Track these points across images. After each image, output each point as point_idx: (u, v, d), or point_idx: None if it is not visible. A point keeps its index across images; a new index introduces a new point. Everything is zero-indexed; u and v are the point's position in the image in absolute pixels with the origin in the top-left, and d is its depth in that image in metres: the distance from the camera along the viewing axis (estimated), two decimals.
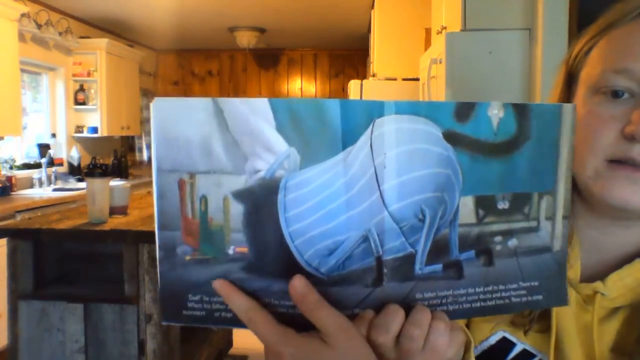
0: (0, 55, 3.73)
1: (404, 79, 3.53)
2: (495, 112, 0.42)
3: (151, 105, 0.40)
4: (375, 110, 0.40)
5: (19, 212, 3.46)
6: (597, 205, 0.56)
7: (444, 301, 0.45)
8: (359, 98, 3.56)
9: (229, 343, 3.13)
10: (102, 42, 5.20)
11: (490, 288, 0.45)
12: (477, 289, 0.45)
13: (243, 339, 3.49)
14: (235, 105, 0.40)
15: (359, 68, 7.03)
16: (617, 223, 0.57)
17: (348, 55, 7.07)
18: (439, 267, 0.44)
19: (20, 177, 4.36)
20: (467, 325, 0.63)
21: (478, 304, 0.46)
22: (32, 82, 4.98)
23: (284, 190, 0.41)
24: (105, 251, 2.31)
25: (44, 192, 4.22)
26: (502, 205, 0.44)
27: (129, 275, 2.08)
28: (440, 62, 2.17)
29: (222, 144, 0.40)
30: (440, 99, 2.20)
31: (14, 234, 2.11)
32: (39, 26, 4.51)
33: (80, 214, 2.39)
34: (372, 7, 4.17)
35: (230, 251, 0.42)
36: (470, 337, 0.55)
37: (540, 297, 0.47)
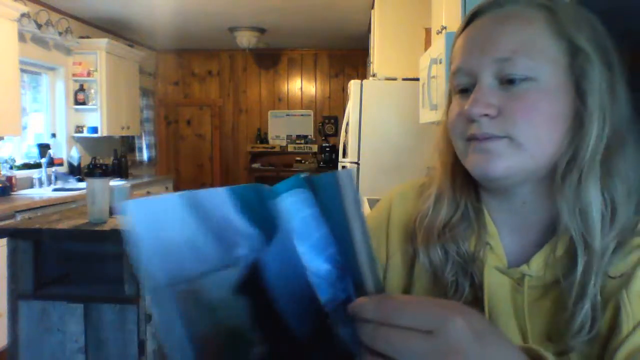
0: (0, 55, 3.73)
1: (404, 79, 3.53)
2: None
3: (126, 212, 0.35)
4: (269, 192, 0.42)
5: (19, 212, 3.45)
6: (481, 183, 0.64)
7: None
8: (359, 98, 3.56)
9: None
10: (102, 42, 5.20)
11: None
12: None
13: None
14: (202, 197, 0.39)
15: (359, 68, 7.03)
16: (512, 201, 0.63)
17: (348, 55, 7.07)
18: None
19: (20, 177, 4.36)
20: None
21: None
22: (32, 82, 4.98)
23: (265, 269, 0.41)
24: (105, 251, 2.31)
25: (44, 192, 4.22)
26: None
27: (129, 275, 2.08)
28: (440, 62, 2.17)
29: (207, 238, 0.38)
30: (441, 99, 2.20)
31: (14, 234, 2.11)
32: (39, 26, 4.51)
33: (80, 214, 2.39)
34: (372, 7, 4.17)
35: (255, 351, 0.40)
36: None
37: None
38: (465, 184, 0.66)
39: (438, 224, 0.65)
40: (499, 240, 0.64)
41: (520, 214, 0.64)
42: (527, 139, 0.57)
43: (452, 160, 0.67)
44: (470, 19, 0.64)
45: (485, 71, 0.59)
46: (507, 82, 0.58)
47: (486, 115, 0.58)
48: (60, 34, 4.77)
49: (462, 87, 0.62)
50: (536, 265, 0.60)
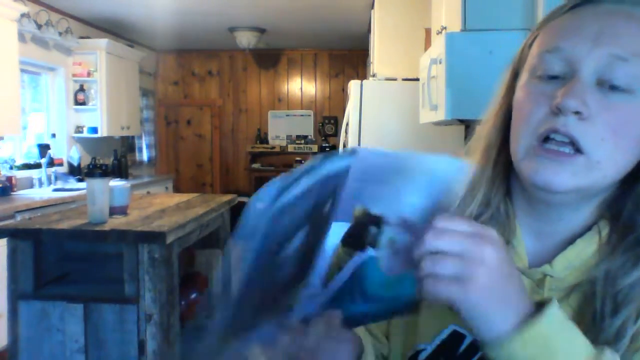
0: (0, 55, 3.73)
1: (404, 79, 3.52)
2: None
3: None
4: None
5: (19, 212, 3.45)
6: (529, 189, 0.59)
7: None
8: (359, 98, 3.56)
9: None
10: (102, 42, 5.20)
11: None
12: None
13: None
14: None
15: (359, 68, 7.03)
16: (551, 211, 0.60)
17: (348, 55, 7.07)
18: None
19: (20, 177, 4.36)
20: (416, 322, 0.65)
21: None
22: (32, 82, 4.98)
23: None
24: (105, 251, 2.31)
25: (44, 192, 4.22)
26: None
27: (129, 275, 2.08)
28: (440, 62, 2.17)
29: None
30: (441, 99, 2.19)
31: (14, 234, 2.11)
32: (39, 26, 4.51)
33: (80, 214, 2.39)
34: (372, 7, 4.17)
35: None
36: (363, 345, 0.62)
37: None
38: (501, 182, 0.63)
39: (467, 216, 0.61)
40: (522, 240, 0.61)
41: (549, 223, 0.61)
42: (606, 159, 0.53)
43: (495, 156, 0.62)
44: (579, 3, 0.57)
45: (591, 64, 0.52)
46: (606, 85, 0.52)
47: (578, 113, 0.52)
48: (60, 34, 4.77)
49: (550, 73, 0.55)
50: (560, 266, 0.58)
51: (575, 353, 0.46)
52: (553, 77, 0.55)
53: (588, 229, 0.59)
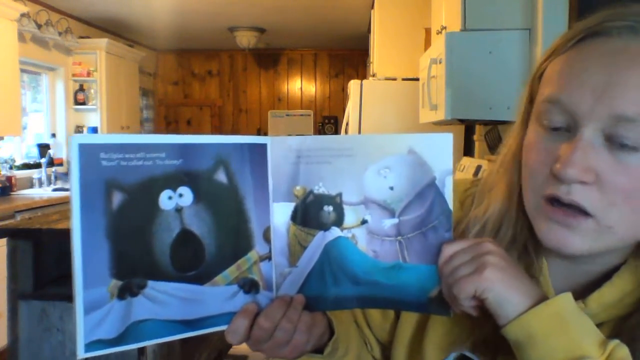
0: (0, 55, 3.73)
1: (403, 79, 3.53)
2: None
3: None
4: None
5: (18, 212, 3.45)
6: None
7: None
8: (359, 98, 3.56)
9: (229, 343, 3.13)
10: (102, 42, 5.19)
11: None
12: None
13: None
14: None
15: (359, 68, 7.03)
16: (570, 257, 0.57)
17: (348, 55, 7.07)
18: None
19: (20, 177, 4.36)
20: (421, 345, 0.63)
21: None
22: (32, 82, 4.98)
23: None
24: None
25: (43, 192, 4.22)
26: None
27: None
28: (440, 62, 2.17)
29: None
30: (440, 99, 2.20)
31: (14, 234, 2.11)
32: (39, 26, 4.51)
33: None
34: (372, 7, 4.17)
35: None
36: (334, 328, 0.63)
37: None
38: (526, 220, 0.58)
39: None
40: (549, 278, 0.57)
41: (577, 264, 0.57)
42: (621, 224, 0.49)
43: (517, 196, 0.58)
44: (586, 35, 0.50)
45: (593, 124, 0.47)
46: (616, 144, 0.47)
47: (582, 182, 0.48)
48: (60, 34, 4.77)
49: (554, 125, 0.50)
50: (594, 303, 0.54)
51: (587, 332, 0.48)
52: (557, 129, 0.51)
53: (619, 266, 0.55)
